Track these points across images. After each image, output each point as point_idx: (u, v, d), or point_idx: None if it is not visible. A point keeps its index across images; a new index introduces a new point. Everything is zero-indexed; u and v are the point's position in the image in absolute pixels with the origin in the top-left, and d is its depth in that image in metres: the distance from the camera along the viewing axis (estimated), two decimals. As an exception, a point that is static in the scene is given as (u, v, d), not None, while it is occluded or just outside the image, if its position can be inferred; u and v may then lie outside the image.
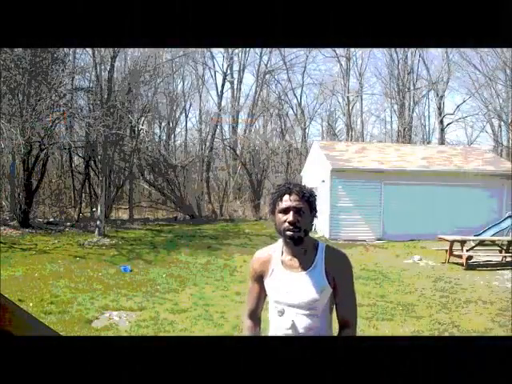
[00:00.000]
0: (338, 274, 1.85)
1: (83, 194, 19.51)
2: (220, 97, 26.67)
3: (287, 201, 1.85)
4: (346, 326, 1.87)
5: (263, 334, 2.09)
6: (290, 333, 1.85)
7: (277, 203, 1.88)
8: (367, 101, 53.75)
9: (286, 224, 1.83)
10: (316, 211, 1.93)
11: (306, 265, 1.86)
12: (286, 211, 1.84)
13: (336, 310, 1.89)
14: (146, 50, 15.49)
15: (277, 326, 1.91)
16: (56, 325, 5.24)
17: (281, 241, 1.95)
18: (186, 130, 28.44)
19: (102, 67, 15.41)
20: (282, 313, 1.86)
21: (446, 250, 10.09)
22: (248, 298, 2.04)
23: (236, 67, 27.16)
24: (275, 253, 1.95)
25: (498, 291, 7.65)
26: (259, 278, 1.96)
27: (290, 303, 1.85)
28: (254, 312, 2.03)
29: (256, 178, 23.55)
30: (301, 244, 1.86)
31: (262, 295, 1.99)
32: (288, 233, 1.82)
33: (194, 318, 5.86)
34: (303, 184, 2.01)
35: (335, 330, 1.93)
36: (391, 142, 26.66)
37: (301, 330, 1.83)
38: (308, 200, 1.87)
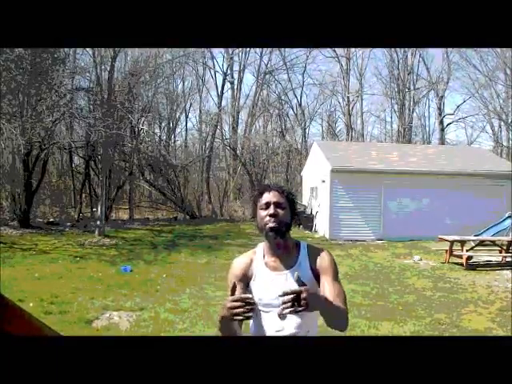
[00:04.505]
0: (323, 268, 1.81)
1: (83, 194, 19.51)
2: (220, 97, 26.68)
3: (267, 197, 1.84)
4: None
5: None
6: (281, 334, 1.79)
7: (257, 201, 1.87)
8: (367, 101, 53.79)
9: (267, 218, 1.80)
10: (296, 215, 1.90)
11: (290, 263, 1.83)
12: (266, 206, 1.82)
13: None
14: (146, 49, 15.48)
15: (267, 328, 1.84)
16: (56, 325, 5.23)
17: (260, 245, 1.92)
18: (186, 130, 28.47)
19: (102, 67, 15.39)
20: (284, 316, 1.78)
21: (446, 250, 10.09)
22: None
23: (236, 67, 27.17)
24: (256, 255, 1.91)
25: (498, 291, 7.65)
26: (241, 283, 1.89)
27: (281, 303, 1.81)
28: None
29: (256, 178, 23.54)
30: (282, 238, 1.82)
31: None
32: (269, 225, 1.79)
33: (193, 318, 5.86)
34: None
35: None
36: (391, 142, 26.69)
37: (294, 330, 1.79)
38: (287, 197, 1.86)
